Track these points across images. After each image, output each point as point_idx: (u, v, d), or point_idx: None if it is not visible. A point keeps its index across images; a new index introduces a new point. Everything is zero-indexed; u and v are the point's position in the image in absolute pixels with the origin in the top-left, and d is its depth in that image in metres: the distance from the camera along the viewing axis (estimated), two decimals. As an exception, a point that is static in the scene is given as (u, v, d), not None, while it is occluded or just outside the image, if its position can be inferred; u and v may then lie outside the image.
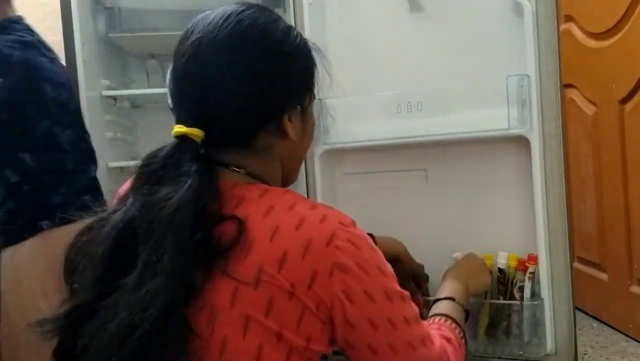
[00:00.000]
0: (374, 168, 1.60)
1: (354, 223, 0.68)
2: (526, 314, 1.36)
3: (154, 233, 0.61)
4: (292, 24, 1.62)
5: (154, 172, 0.66)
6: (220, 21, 0.71)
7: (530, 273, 1.35)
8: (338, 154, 1.62)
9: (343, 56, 1.60)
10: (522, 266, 1.37)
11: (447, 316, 0.97)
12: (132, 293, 0.59)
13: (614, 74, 1.90)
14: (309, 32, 1.57)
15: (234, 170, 0.71)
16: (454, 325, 0.94)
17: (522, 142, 1.37)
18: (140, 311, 0.57)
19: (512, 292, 1.37)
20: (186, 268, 0.59)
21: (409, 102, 1.47)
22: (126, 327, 0.57)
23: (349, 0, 1.59)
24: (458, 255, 1.41)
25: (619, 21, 1.86)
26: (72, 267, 0.67)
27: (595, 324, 2.04)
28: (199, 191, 0.63)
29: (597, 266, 2.07)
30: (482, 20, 1.43)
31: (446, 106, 1.43)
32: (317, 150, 1.58)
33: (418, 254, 1.55)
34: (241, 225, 0.62)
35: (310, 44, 0.79)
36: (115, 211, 0.67)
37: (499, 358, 1.40)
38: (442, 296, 1.07)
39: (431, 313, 1.00)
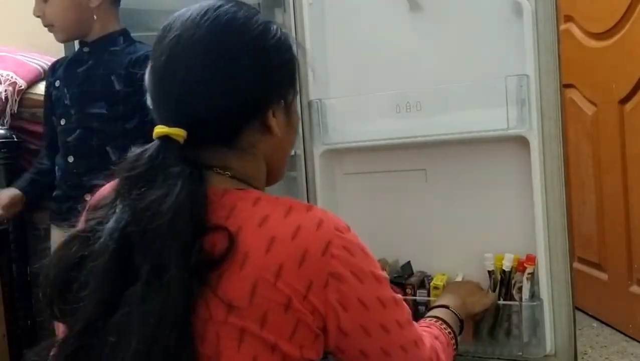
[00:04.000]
0: (374, 168, 1.60)
1: (349, 229, 0.67)
2: (525, 314, 1.36)
3: (152, 242, 0.58)
4: (292, 24, 1.62)
5: (140, 175, 0.63)
6: (198, 17, 0.68)
7: (528, 273, 1.35)
8: (338, 154, 1.62)
9: (343, 56, 1.61)
10: (520, 267, 1.37)
11: (438, 318, 0.99)
12: (141, 306, 0.57)
13: (614, 74, 1.89)
14: (309, 32, 1.58)
15: (219, 172, 0.69)
16: (444, 326, 0.97)
17: (521, 142, 1.37)
18: (156, 325, 0.55)
19: (511, 293, 1.37)
20: (190, 278, 0.58)
21: (408, 102, 1.47)
22: (148, 342, 0.55)
23: (349, 0, 1.59)
24: (490, 255, 1.42)
25: (619, 21, 1.86)
26: (63, 285, 0.62)
27: (595, 324, 2.04)
28: (192, 196, 0.61)
29: (597, 266, 2.07)
30: (481, 20, 1.43)
31: (446, 106, 1.43)
32: (317, 150, 1.58)
33: (418, 253, 1.55)
34: (232, 238, 0.60)
35: (291, 38, 0.76)
36: (100, 221, 0.63)
37: (499, 358, 1.40)
38: (436, 305, 1.09)
39: (425, 317, 1.02)
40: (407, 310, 0.73)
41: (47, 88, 1.66)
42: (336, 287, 0.62)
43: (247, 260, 0.59)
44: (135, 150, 0.67)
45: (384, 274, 0.70)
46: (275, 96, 0.72)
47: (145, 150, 0.66)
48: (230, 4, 0.71)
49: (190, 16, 0.69)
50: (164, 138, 0.65)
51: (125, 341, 0.56)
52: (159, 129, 0.66)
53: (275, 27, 0.73)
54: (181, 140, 0.65)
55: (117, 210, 0.62)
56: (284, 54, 0.73)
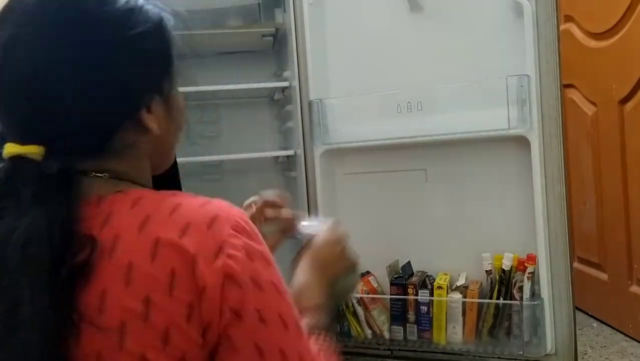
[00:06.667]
0: (374, 168, 1.60)
1: (251, 230, 0.56)
2: (526, 314, 1.36)
3: (2, 278, 0.50)
4: (292, 24, 1.62)
5: None
6: (39, 7, 0.55)
7: (529, 273, 1.36)
8: (338, 154, 1.62)
9: (343, 56, 1.61)
10: (521, 266, 1.37)
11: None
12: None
13: (614, 74, 1.89)
14: (309, 32, 1.58)
15: (96, 176, 0.58)
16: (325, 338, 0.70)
17: (522, 142, 1.37)
18: None
19: (512, 292, 1.37)
20: (55, 311, 0.49)
21: (409, 102, 1.47)
22: None
23: (349, 0, 1.59)
24: (487, 255, 1.42)
25: (619, 21, 1.86)
26: None
27: (595, 324, 2.04)
28: (52, 215, 0.52)
29: (597, 266, 2.07)
30: (482, 20, 1.43)
31: (446, 106, 1.43)
32: (317, 150, 1.58)
33: (418, 253, 1.55)
34: (92, 246, 0.51)
35: (163, 16, 0.63)
36: None
37: (500, 358, 1.40)
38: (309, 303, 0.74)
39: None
40: (313, 345, 0.58)
41: None
42: (232, 292, 0.52)
43: (132, 272, 0.50)
44: None
45: (289, 291, 0.58)
46: (147, 92, 0.60)
47: None
48: None
49: (27, 5, 0.56)
50: (16, 158, 0.54)
51: None
52: (11, 148, 0.55)
53: (140, 7, 0.60)
54: (38, 157, 0.55)
55: None
56: (154, 40, 0.61)
